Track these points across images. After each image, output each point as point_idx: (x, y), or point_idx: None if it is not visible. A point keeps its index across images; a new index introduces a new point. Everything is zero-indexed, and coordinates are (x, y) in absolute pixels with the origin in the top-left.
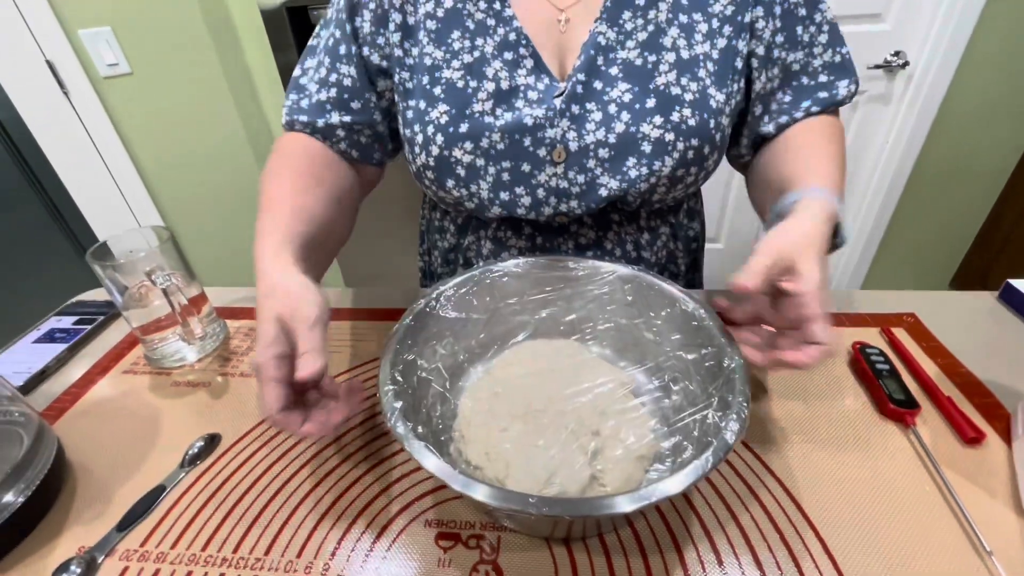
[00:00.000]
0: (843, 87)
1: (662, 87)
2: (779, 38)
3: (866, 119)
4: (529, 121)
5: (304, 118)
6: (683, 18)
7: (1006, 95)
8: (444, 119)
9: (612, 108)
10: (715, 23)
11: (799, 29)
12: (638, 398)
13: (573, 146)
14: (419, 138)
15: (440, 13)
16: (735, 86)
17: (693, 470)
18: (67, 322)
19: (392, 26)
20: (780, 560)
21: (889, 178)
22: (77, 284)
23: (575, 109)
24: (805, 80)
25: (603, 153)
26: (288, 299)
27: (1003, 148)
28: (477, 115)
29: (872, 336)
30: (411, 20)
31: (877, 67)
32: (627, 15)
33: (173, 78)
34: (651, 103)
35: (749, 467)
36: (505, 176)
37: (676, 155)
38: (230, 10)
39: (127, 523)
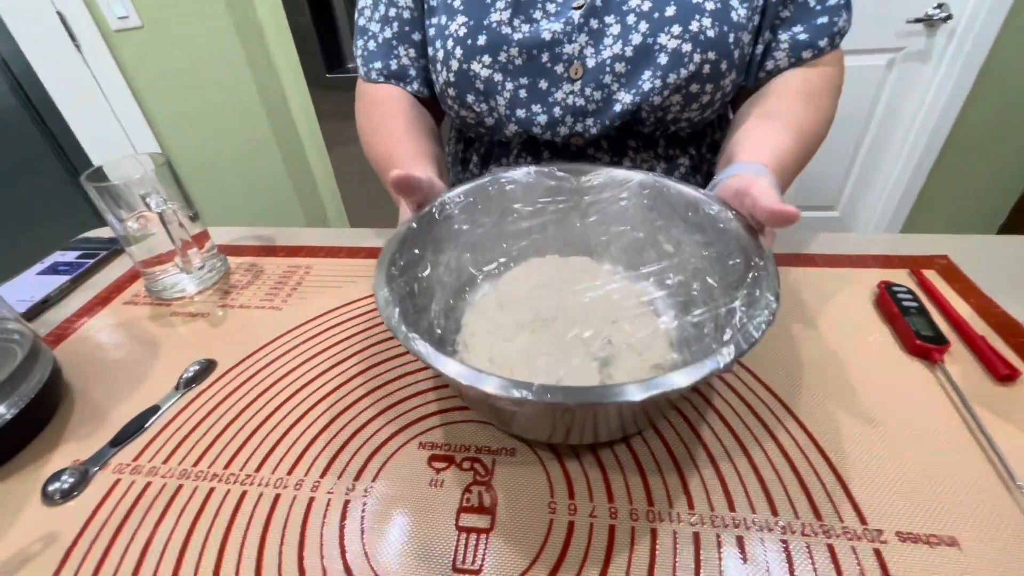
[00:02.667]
0: (842, 20)
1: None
2: None
3: (902, 78)
4: (547, 36)
5: (378, 64)
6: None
7: None
8: (463, 31)
9: (631, 19)
10: None
11: None
12: (654, 307)
13: (590, 62)
14: (440, 54)
15: None
16: (757, 2)
17: (712, 362)
18: (71, 256)
19: None
20: (792, 494)
21: (924, 140)
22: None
23: (594, 23)
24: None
25: (619, 67)
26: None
27: None
28: (495, 25)
29: (900, 277)
30: None
31: (917, 21)
32: None
33: (184, 32)
34: (671, 11)
35: (763, 401)
36: (522, 93)
37: (692, 67)
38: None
39: (121, 439)
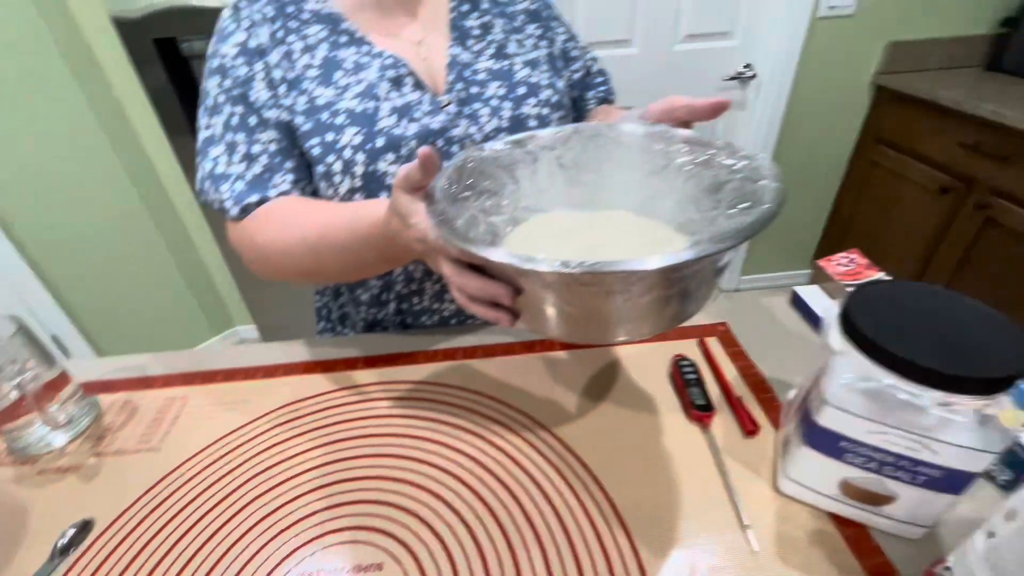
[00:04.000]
0: (610, 82)
1: (523, 79)
2: (568, 46)
3: (729, 124)
4: (436, 126)
5: (255, 197)
6: (514, 36)
7: (835, 98)
8: (359, 139)
9: (494, 102)
10: (533, 39)
11: (572, 44)
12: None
13: (478, 137)
14: (337, 165)
15: (317, 62)
16: (565, 74)
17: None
18: None
19: (282, 86)
20: (588, 539)
21: None
22: None
23: (466, 111)
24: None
25: (503, 137)
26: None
27: (839, 143)
28: (388, 129)
29: (691, 346)
30: (291, 75)
31: (732, 78)
32: (471, 41)
33: (37, 122)
34: (522, 91)
35: (567, 465)
36: None
37: (549, 122)
38: (92, 49)
39: None
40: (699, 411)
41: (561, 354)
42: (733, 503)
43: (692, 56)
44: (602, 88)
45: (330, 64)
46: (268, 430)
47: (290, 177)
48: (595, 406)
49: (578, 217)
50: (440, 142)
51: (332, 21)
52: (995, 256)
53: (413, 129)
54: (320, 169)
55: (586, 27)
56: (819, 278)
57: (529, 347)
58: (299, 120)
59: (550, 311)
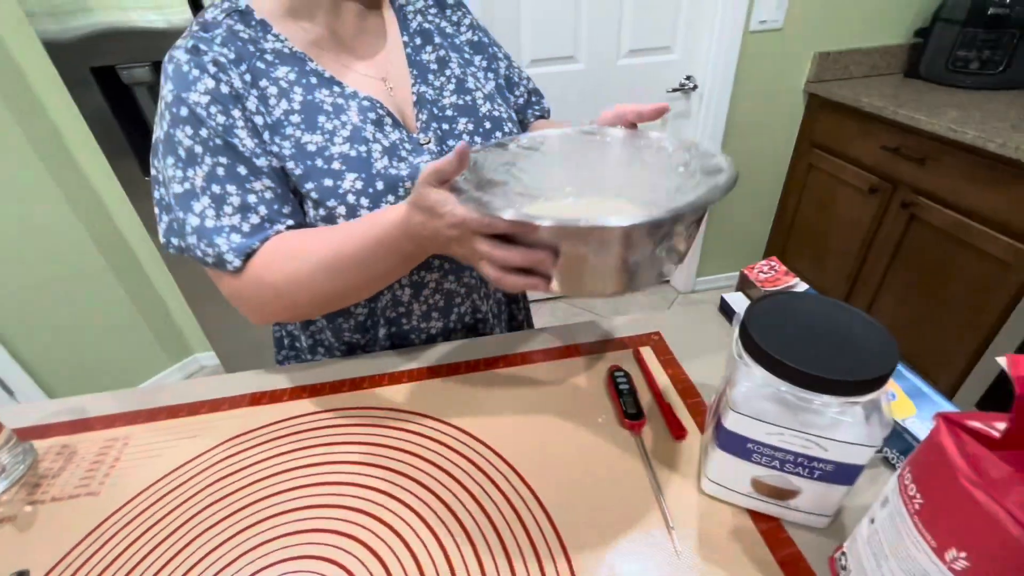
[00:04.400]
0: (544, 99)
1: (486, 114)
2: (510, 72)
3: (676, 132)
4: (423, 165)
5: (255, 243)
6: (469, 69)
7: (772, 106)
8: (359, 184)
9: (465, 136)
10: (483, 71)
11: (513, 70)
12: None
13: None
14: (341, 209)
15: (297, 107)
16: (511, 99)
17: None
18: None
19: (266, 132)
20: (523, 547)
21: None
22: None
23: (445, 148)
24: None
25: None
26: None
27: (780, 148)
28: (384, 170)
29: (627, 356)
30: (271, 120)
31: (675, 90)
32: (431, 76)
33: None
34: (488, 125)
35: (505, 478)
36: None
37: None
38: (28, 79)
39: None
40: (630, 419)
41: (504, 372)
42: (659, 505)
43: (636, 70)
44: (538, 107)
45: (310, 108)
46: (212, 465)
47: (289, 222)
48: (533, 421)
49: (578, 201)
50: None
51: (298, 61)
52: (920, 250)
53: (405, 169)
54: (321, 212)
55: (532, 46)
56: (744, 285)
57: (473, 367)
58: (290, 165)
59: (587, 268)
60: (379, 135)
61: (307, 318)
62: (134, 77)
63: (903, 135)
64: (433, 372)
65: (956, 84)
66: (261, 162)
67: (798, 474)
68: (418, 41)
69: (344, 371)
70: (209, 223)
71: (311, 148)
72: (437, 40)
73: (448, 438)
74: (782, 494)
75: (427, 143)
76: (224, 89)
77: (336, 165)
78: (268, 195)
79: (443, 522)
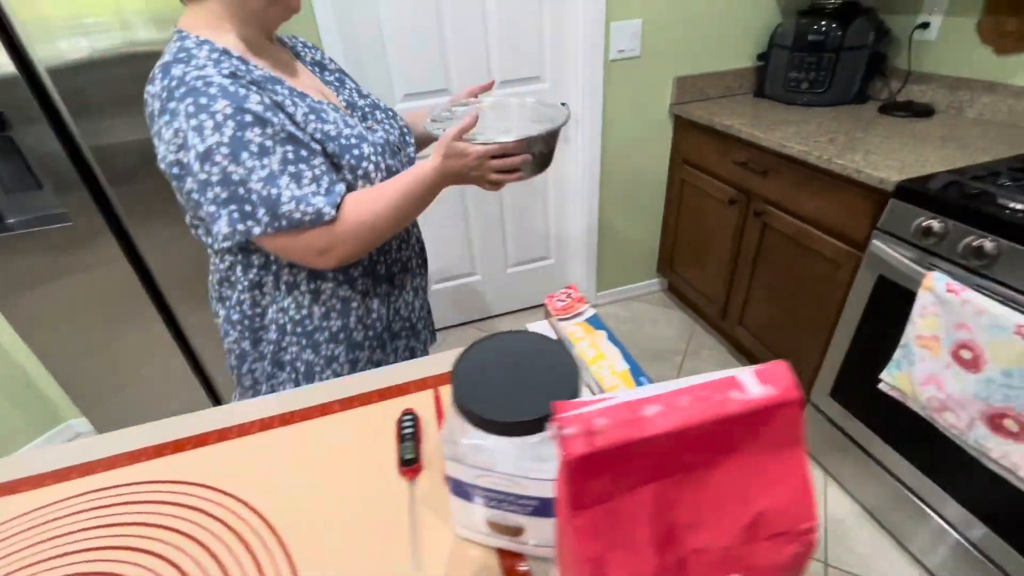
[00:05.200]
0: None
1: (384, 108)
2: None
3: (560, 154)
4: (380, 139)
5: (336, 198)
6: (350, 83)
7: (646, 126)
8: (370, 150)
9: (387, 123)
10: (355, 89)
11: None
12: None
13: (396, 142)
14: (370, 167)
15: (306, 109)
16: None
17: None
18: None
19: (305, 126)
20: None
21: (586, 198)
22: None
23: (381, 129)
24: None
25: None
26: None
27: (657, 165)
28: (374, 141)
29: (426, 397)
30: (299, 119)
31: None
32: (340, 90)
33: None
34: (391, 113)
35: (263, 543)
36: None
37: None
38: None
39: None
40: (404, 465)
41: (299, 426)
42: (414, 547)
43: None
44: None
45: (313, 109)
46: None
47: (342, 185)
48: (314, 479)
49: (509, 133)
50: (392, 147)
51: (279, 82)
52: (774, 254)
53: (380, 140)
54: (359, 173)
55: (402, 80)
56: (547, 313)
57: (266, 424)
58: (330, 146)
59: (532, 161)
60: (352, 122)
61: (381, 243)
62: None
63: (749, 150)
64: (221, 435)
65: (794, 102)
66: (314, 146)
67: (515, 511)
68: (317, 70)
69: (121, 444)
70: (299, 192)
71: (332, 133)
72: (330, 66)
73: (217, 507)
74: (513, 531)
75: (369, 127)
76: (267, 100)
77: (354, 141)
78: (325, 167)
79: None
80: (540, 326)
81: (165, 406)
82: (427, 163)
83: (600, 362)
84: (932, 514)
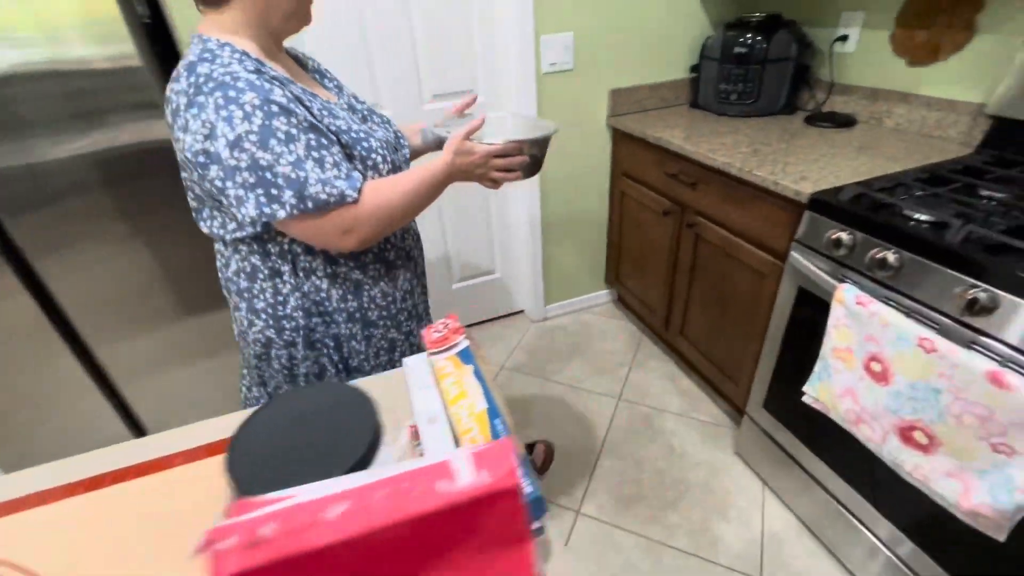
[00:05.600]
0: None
1: (380, 113)
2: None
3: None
4: (382, 136)
5: (358, 183)
6: (348, 90)
7: (585, 139)
8: (378, 143)
9: (385, 125)
10: (353, 96)
11: None
12: None
13: (393, 142)
14: (379, 159)
15: (320, 106)
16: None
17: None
18: None
19: (322, 120)
20: None
21: (527, 210)
22: None
23: (384, 132)
24: None
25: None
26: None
27: (599, 177)
28: (379, 136)
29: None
30: (315, 112)
31: None
32: (340, 95)
33: None
34: (387, 116)
35: None
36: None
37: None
38: None
39: None
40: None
41: (129, 484)
42: None
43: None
44: None
45: (325, 106)
46: None
47: (358, 173)
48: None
49: (505, 138)
50: (392, 145)
51: (292, 83)
52: (707, 265)
53: (382, 136)
54: (369, 163)
55: None
56: (425, 346)
57: (97, 483)
58: (344, 138)
59: (529, 163)
60: (357, 120)
61: (394, 230)
62: None
63: (679, 162)
64: (42, 498)
65: (725, 113)
66: (331, 136)
67: None
68: (317, 76)
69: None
70: (322, 175)
71: (344, 127)
72: (329, 75)
73: None
74: None
75: (371, 127)
76: (288, 93)
77: (362, 135)
78: (342, 155)
79: None
80: (418, 360)
81: (82, 442)
82: (438, 160)
83: (460, 402)
84: (863, 529)
